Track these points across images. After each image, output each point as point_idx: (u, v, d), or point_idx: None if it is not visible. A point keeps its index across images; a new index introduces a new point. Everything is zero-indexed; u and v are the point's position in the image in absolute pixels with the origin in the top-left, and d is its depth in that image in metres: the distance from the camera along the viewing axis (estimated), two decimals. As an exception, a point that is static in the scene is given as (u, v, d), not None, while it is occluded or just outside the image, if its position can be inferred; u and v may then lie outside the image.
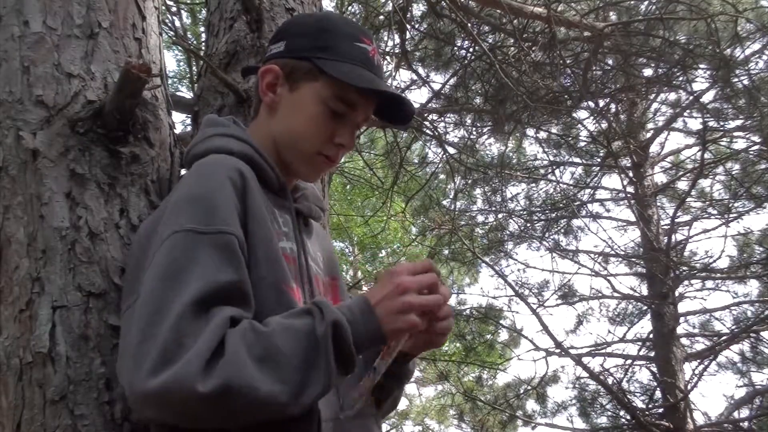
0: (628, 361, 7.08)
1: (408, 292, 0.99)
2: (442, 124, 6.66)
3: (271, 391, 0.88)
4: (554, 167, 7.27)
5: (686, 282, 7.03)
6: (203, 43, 2.65)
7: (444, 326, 1.09)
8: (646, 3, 5.98)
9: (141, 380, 0.87)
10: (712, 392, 22.52)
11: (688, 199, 7.11)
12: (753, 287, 7.16)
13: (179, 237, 0.97)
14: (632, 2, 5.92)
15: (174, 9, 5.73)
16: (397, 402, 1.32)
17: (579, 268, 7.32)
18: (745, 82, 5.56)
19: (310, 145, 1.19)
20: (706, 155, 6.25)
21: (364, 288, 12.16)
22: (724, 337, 6.75)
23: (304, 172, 1.24)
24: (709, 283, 7.12)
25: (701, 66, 5.69)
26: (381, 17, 5.61)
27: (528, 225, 7.53)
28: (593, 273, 7.27)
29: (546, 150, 7.19)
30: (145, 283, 0.96)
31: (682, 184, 7.36)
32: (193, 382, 0.85)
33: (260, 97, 1.24)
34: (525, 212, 7.58)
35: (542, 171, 7.55)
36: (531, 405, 8.56)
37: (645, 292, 7.26)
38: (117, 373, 0.97)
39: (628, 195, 7.00)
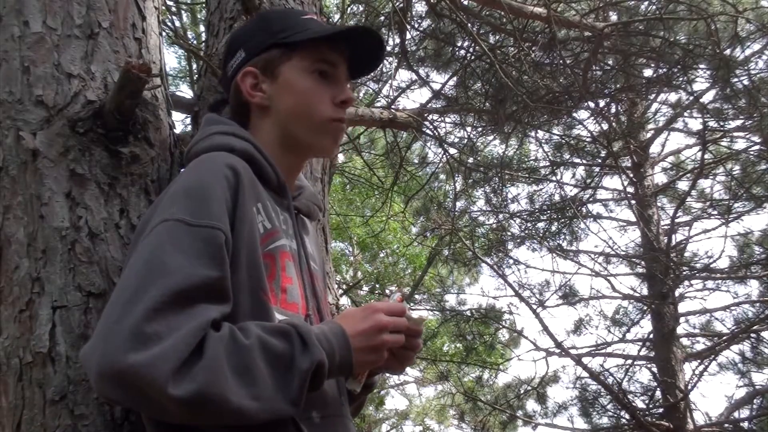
0: (629, 362, 7.07)
1: (384, 330, 1.06)
2: (443, 124, 6.66)
3: (242, 405, 0.91)
4: (555, 168, 7.26)
5: (686, 282, 7.02)
6: (203, 43, 2.65)
7: (408, 357, 1.17)
8: (646, 3, 5.98)
9: (115, 356, 0.86)
10: (712, 392, 22.57)
11: (688, 200, 7.10)
12: (753, 287, 7.14)
13: (168, 225, 0.98)
14: (632, 2, 5.92)
15: (174, 9, 5.74)
16: (363, 405, 1.41)
17: (579, 269, 7.32)
18: (745, 82, 5.55)
19: (319, 115, 1.21)
20: (706, 155, 6.24)
21: (365, 288, 12.15)
22: (725, 337, 6.74)
23: (324, 145, 1.25)
24: (710, 284, 7.10)
25: (701, 66, 5.68)
26: (381, 17, 5.61)
27: (529, 225, 7.52)
28: (594, 273, 7.27)
29: (546, 151, 7.19)
30: (128, 266, 0.97)
31: (683, 185, 7.36)
32: (165, 379, 0.86)
33: (244, 103, 1.24)
34: (526, 213, 7.57)
35: (543, 171, 7.55)
36: (531, 405, 8.56)
37: (645, 292, 7.25)
38: (83, 355, 0.92)
39: (629, 195, 7.00)
